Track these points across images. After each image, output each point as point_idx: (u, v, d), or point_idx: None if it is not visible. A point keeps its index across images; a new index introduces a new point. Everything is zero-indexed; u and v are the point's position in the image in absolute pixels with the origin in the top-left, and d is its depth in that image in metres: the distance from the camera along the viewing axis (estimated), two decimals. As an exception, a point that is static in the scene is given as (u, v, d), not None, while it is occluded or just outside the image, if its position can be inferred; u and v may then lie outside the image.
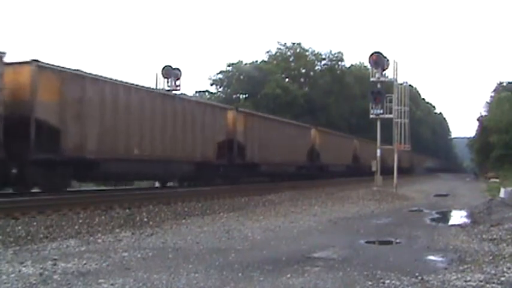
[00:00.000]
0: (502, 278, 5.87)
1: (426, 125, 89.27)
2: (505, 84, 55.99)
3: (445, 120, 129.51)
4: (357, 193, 21.72)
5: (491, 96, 57.71)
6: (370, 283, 5.68)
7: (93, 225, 10.45)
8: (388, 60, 25.66)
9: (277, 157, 27.72)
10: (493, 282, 5.68)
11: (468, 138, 78.54)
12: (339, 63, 63.20)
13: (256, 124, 26.14)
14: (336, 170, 37.47)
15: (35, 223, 10.05)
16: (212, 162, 22.36)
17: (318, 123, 39.75)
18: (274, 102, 50.79)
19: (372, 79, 25.92)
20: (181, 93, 30.38)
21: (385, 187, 24.48)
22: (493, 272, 6.19)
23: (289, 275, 6.03)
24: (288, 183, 25.96)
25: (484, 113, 57.53)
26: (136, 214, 12.27)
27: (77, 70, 15.93)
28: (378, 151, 26.31)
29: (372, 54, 25.56)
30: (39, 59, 14.55)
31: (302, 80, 61.45)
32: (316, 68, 62.74)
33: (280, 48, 61.34)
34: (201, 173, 21.77)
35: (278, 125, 29.53)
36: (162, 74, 31.78)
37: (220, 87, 56.70)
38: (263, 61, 59.28)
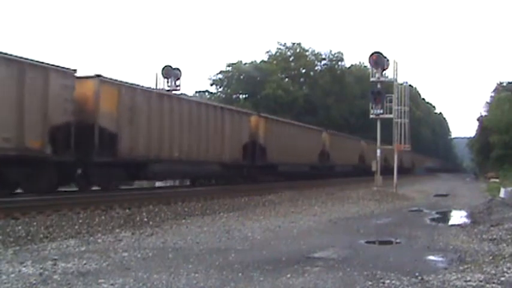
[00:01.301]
0: (502, 278, 5.85)
1: (426, 125, 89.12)
2: (505, 84, 55.79)
3: (445, 120, 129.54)
4: (357, 193, 21.74)
5: (491, 96, 57.63)
6: (370, 283, 5.68)
7: (93, 225, 10.44)
8: (388, 60, 25.64)
9: (346, 161, 40.47)
10: (493, 282, 5.66)
11: (468, 138, 78.53)
12: (339, 63, 63.06)
13: (337, 139, 38.82)
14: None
15: (35, 223, 10.04)
16: (317, 165, 34.56)
17: (317, 123, 41.45)
18: (274, 102, 50.77)
19: (372, 79, 25.91)
20: (182, 94, 30.41)
21: (385, 187, 24.50)
22: (493, 272, 6.17)
23: (289, 275, 6.03)
24: (287, 183, 26.29)
25: (484, 113, 57.52)
26: (136, 214, 12.26)
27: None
28: (378, 151, 26.34)
29: (372, 54, 25.54)
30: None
31: (302, 80, 61.37)
32: (316, 68, 62.60)
33: (280, 48, 61.23)
34: (312, 171, 33.71)
35: (344, 138, 42.54)
36: (162, 74, 31.81)
37: (220, 88, 56.60)
38: (263, 61, 59.11)
